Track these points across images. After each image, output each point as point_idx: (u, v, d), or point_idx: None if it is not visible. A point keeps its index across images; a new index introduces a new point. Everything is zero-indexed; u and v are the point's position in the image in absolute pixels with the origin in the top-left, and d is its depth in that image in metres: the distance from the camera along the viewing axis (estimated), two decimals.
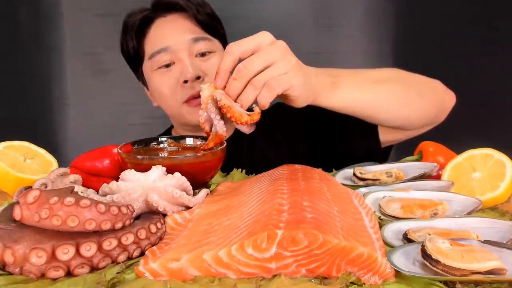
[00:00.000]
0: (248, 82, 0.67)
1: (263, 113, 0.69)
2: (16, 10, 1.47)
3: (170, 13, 1.06)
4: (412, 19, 1.44)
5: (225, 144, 0.75)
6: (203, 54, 1.04)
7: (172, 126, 1.23)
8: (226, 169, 0.86)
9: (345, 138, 1.07)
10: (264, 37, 0.68)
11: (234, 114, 0.66)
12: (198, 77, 1.01)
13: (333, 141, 1.09)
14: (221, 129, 0.70)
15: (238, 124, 0.67)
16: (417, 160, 0.83)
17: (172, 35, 1.04)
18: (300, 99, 0.73)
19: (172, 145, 0.82)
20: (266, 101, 0.67)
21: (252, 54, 0.68)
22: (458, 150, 0.80)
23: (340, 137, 1.07)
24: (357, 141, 1.05)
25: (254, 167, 0.88)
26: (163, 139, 0.82)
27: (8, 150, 0.80)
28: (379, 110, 0.88)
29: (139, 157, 0.70)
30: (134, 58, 1.10)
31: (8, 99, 1.47)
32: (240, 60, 0.68)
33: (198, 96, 0.94)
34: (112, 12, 1.39)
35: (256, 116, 0.68)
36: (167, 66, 1.03)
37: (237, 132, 1.16)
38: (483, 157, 0.72)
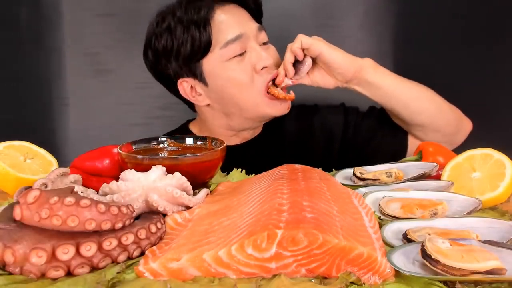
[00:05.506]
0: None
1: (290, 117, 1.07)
2: (16, 10, 1.47)
3: (228, 3, 1.04)
4: (412, 19, 1.44)
5: (225, 144, 0.75)
6: (264, 43, 1.05)
7: (188, 121, 1.20)
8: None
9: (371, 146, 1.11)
10: (300, 38, 0.96)
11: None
12: None
13: (360, 147, 1.12)
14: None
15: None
16: (417, 160, 0.83)
17: (242, 22, 1.02)
18: (340, 68, 0.97)
19: (172, 145, 0.82)
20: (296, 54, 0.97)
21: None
22: (458, 150, 0.80)
23: (368, 144, 1.11)
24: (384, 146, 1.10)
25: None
26: (163, 139, 0.82)
27: (8, 150, 0.80)
28: (410, 97, 1.00)
29: (139, 157, 0.70)
30: (195, 52, 1.01)
31: (8, 99, 1.47)
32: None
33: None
34: (112, 12, 1.38)
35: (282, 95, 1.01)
36: (241, 55, 1.01)
37: (256, 137, 1.17)
38: (483, 157, 0.72)
